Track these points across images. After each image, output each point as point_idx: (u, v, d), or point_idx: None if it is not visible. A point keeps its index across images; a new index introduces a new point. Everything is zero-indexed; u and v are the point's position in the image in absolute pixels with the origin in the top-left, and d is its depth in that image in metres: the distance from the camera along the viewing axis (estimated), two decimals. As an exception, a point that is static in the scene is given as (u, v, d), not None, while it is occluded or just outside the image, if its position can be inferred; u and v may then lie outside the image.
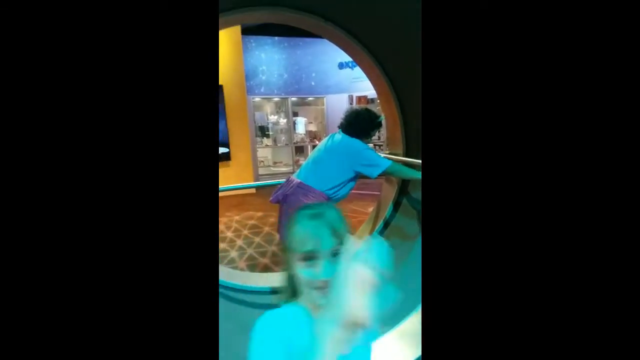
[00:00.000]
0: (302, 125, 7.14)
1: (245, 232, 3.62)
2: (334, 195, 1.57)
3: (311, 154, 1.69)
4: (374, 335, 0.65)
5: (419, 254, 0.59)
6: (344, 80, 6.65)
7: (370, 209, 4.07)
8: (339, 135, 1.64)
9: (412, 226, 1.89)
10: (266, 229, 3.68)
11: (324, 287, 0.52)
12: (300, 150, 7.19)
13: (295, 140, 6.99)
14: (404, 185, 2.00)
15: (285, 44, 6.53)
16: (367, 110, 1.69)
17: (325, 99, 6.87)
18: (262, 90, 6.54)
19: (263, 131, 6.97)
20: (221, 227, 3.79)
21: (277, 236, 3.32)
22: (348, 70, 6.57)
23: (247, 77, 5.76)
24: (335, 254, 0.52)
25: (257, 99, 6.68)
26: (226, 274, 1.87)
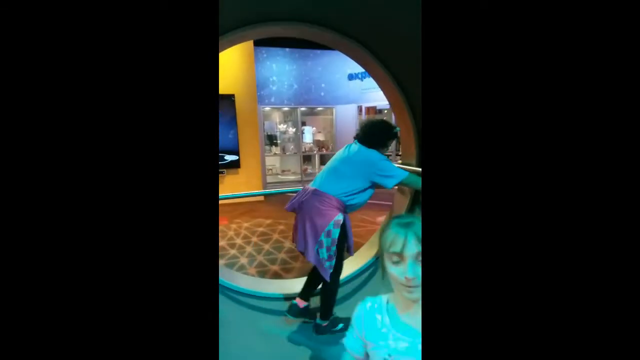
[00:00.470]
0: (309, 135, 7.22)
1: (255, 239, 3.64)
2: (349, 202, 1.59)
3: (327, 163, 1.72)
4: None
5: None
6: (354, 91, 6.74)
7: (379, 219, 4.08)
8: (356, 146, 1.66)
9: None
10: (275, 236, 3.70)
11: (410, 284, 0.64)
12: (307, 159, 7.26)
13: (303, 149, 7.06)
14: (416, 196, 2.02)
15: (297, 55, 6.67)
16: (383, 121, 1.71)
17: (334, 109, 6.95)
18: (272, 100, 6.66)
19: (271, 140, 7.06)
20: (230, 233, 3.82)
21: (286, 244, 3.34)
22: (357, 81, 6.66)
23: (258, 87, 5.87)
24: (419, 257, 0.63)
25: (267, 108, 6.79)
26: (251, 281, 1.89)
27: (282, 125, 7.17)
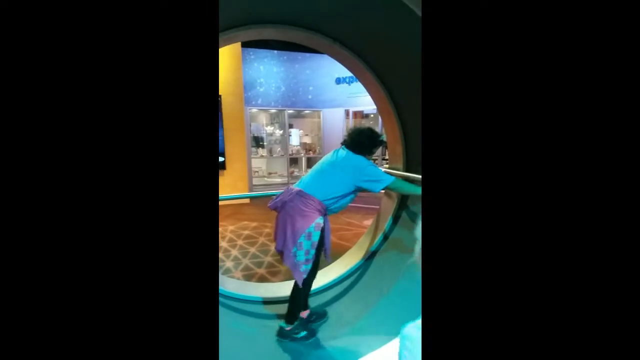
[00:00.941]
0: (296, 137, 7.20)
1: (240, 242, 3.60)
2: (331, 205, 1.62)
3: (314, 166, 1.73)
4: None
5: (418, 267, 0.63)
6: (341, 95, 6.77)
7: (366, 222, 4.11)
8: (344, 152, 1.69)
9: (411, 239, 1.92)
10: (261, 239, 3.66)
11: None
12: (294, 161, 7.24)
13: (290, 152, 7.04)
14: (403, 200, 2.05)
15: (285, 58, 6.66)
16: (370, 129, 1.75)
17: (322, 112, 6.97)
18: (259, 101, 6.62)
19: (258, 142, 7.01)
20: (215, 236, 3.76)
21: (272, 247, 3.32)
22: (345, 85, 6.70)
23: (245, 88, 5.83)
24: None
25: (254, 110, 6.75)
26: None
27: (269, 127, 7.14)
